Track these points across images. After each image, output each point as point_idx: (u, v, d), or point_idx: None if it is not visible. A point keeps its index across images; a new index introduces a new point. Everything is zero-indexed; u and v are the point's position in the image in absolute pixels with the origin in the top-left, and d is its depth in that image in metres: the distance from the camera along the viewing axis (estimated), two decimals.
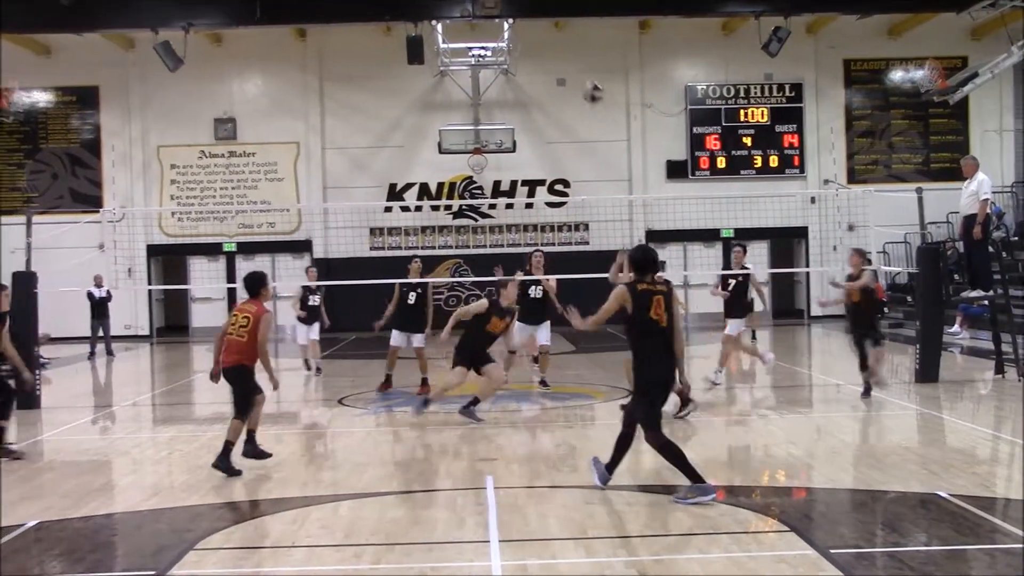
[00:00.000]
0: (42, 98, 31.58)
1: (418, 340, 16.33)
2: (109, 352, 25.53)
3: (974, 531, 7.75)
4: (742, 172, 31.65)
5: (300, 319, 19.86)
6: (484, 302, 13.63)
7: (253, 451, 10.80)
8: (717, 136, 31.81)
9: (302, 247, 31.59)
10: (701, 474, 8.75)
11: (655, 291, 8.87)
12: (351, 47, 30.99)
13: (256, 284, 10.93)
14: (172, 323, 33.01)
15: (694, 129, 31.82)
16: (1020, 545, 7.22)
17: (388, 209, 31.13)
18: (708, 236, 30.93)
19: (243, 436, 10.66)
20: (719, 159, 31.76)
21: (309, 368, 20.14)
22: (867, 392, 14.60)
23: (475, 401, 13.33)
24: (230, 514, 8.89)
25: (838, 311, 31.13)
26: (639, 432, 9.06)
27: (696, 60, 32.18)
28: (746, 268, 17.00)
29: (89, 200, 30.95)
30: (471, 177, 31.16)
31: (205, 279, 31.42)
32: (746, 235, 30.41)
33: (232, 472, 10.33)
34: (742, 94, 31.86)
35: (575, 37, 31.12)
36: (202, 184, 31.75)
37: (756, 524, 8.26)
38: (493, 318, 13.40)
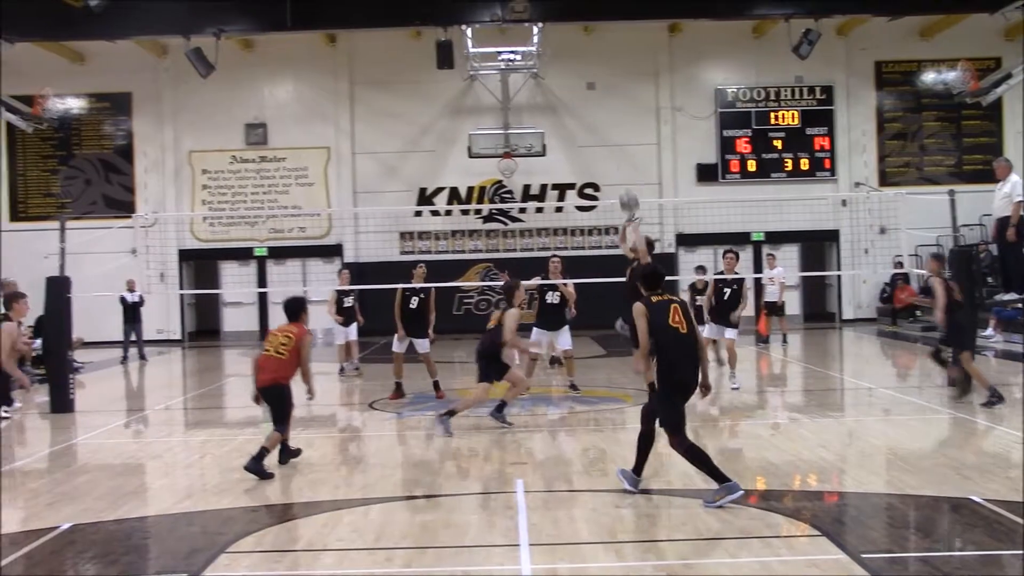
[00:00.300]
0: (76, 105, 31.80)
1: (422, 346, 16.39)
2: (142, 356, 25.69)
3: (1009, 536, 7.68)
4: (773, 175, 31.51)
5: (337, 322, 20.14)
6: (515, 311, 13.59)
7: (286, 455, 11.07)
8: (747, 139, 31.68)
9: (333, 251, 31.67)
10: (726, 474, 8.80)
11: (671, 300, 9.18)
12: (381, 52, 31.08)
13: (297, 309, 11.32)
14: (204, 327, 33.16)
15: (724, 132, 31.71)
16: None
17: (418, 213, 31.20)
18: (739, 239, 30.70)
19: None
20: (749, 162, 31.63)
21: (344, 372, 20.28)
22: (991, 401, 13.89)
23: (502, 405, 13.34)
24: (262, 517, 8.93)
25: (868, 314, 31.21)
26: (660, 431, 9.12)
27: (726, 63, 32.07)
28: (736, 275, 16.93)
29: (122, 205, 31.15)
30: (501, 181, 31.16)
31: (236, 284, 31.57)
32: (777, 238, 30.42)
33: (264, 475, 10.45)
34: (772, 97, 31.72)
35: (605, 41, 31.09)
36: (233, 189, 31.91)
37: (787, 528, 8.23)
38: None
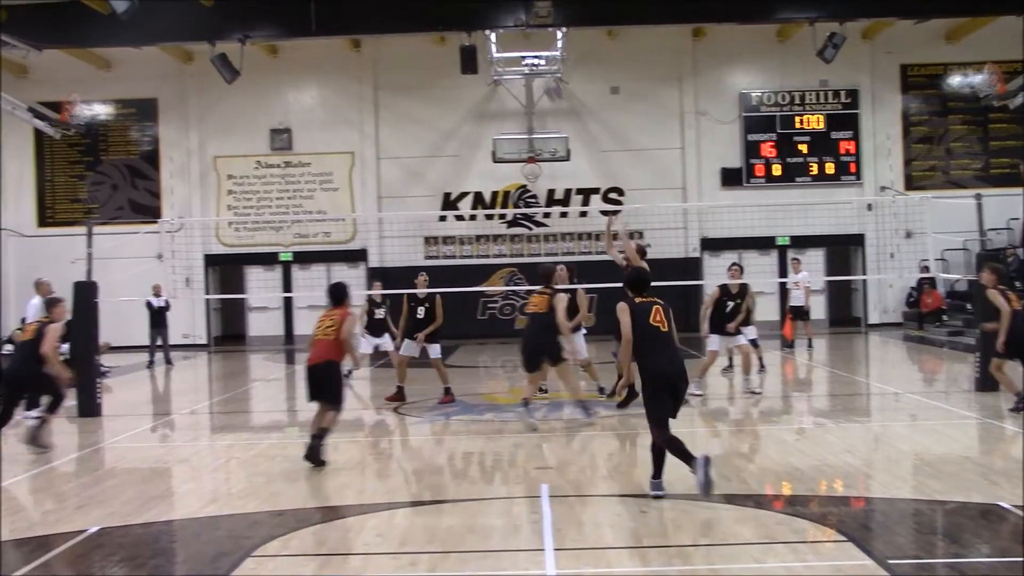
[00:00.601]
0: (102, 111, 32.03)
1: (434, 351, 16.43)
2: (168, 361, 25.81)
3: None
4: (797, 179, 31.39)
5: (365, 332, 19.75)
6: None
7: (315, 454, 11.31)
8: (772, 143, 31.57)
9: (357, 256, 31.75)
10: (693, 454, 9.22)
11: (653, 302, 9.72)
12: (405, 57, 31.14)
13: (341, 294, 12.02)
14: (229, 332, 33.29)
15: (749, 136, 31.62)
16: None
17: (443, 218, 31.22)
18: (763, 244, 30.73)
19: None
20: (774, 166, 31.52)
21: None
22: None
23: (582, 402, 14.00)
24: (287, 521, 8.96)
25: (894, 319, 31.05)
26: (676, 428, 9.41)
27: (750, 67, 31.99)
28: (745, 285, 16.95)
29: (148, 211, 31.30)
30: (525, 186, 31.16)
31: (262, 288, 31.68)
32: (802, 243, 30.32)
33: (318, 460, 11.12)
34: (797, 101, 31.61)
35: (628, 45, 31.06)
36: (258, 194, 32.04)
37: (813, 534, 8.21)
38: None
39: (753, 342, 18.01)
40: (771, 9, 26.59)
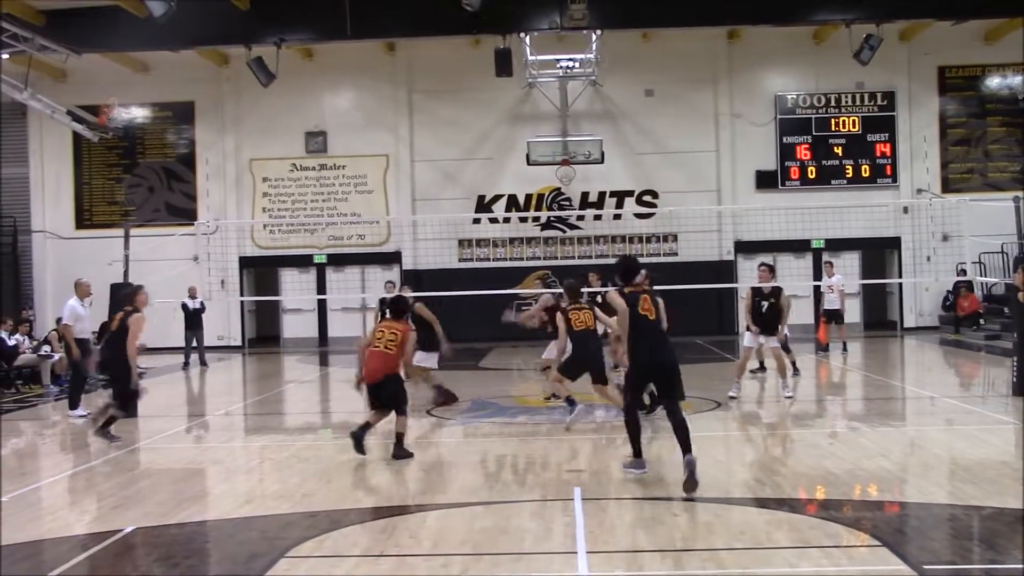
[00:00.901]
0: (140, 114, 32.33)
1: (426, 361, 16.45)
2: (203, 362, 25.97)
3: None
4: (833, 182, 31.22)
5: None
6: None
7: (401, 452, 11.99)
8: (807, 146, 31.42)
9: (391, 259, 31.84)
10: (643, 453, 10.52)
11: (642, 291, 10.40)
12: (440, 60, 31.21)
13: (403, 308, 12.78)
14: (264, 334, 33.47)
15: (784, 139, 31.48)
16: None
17: (477, 221, 31.25)
18: (798, 247, 30.59)
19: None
20: (809, 169, 31.37)
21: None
22: None
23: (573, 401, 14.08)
24: (321, 522, 8.99)
25: (930, 322, 30.83)
26: (687, 421, 9.90)
27: (786, 69, 31.84)
28: (778, 287, 16.88)
29: (184, 213, 31.55)
30: (559, 188, 31.17)
31: (296, 291, 31.84)
32: (837, 246, 30.16)
33: (406, 455, 11.84)
34: (833, 103, 31.45)
35: (663, 47, 31.00)
36: (293, 197, 32.19)
37: (847, 538, 8.15)
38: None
39: (784, 347, 17.88)
40: (807, 11, 26.47)
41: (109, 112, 27.40)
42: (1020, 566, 7.22)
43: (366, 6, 24.88)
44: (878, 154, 31.28)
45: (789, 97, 31.53)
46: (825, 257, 28.29)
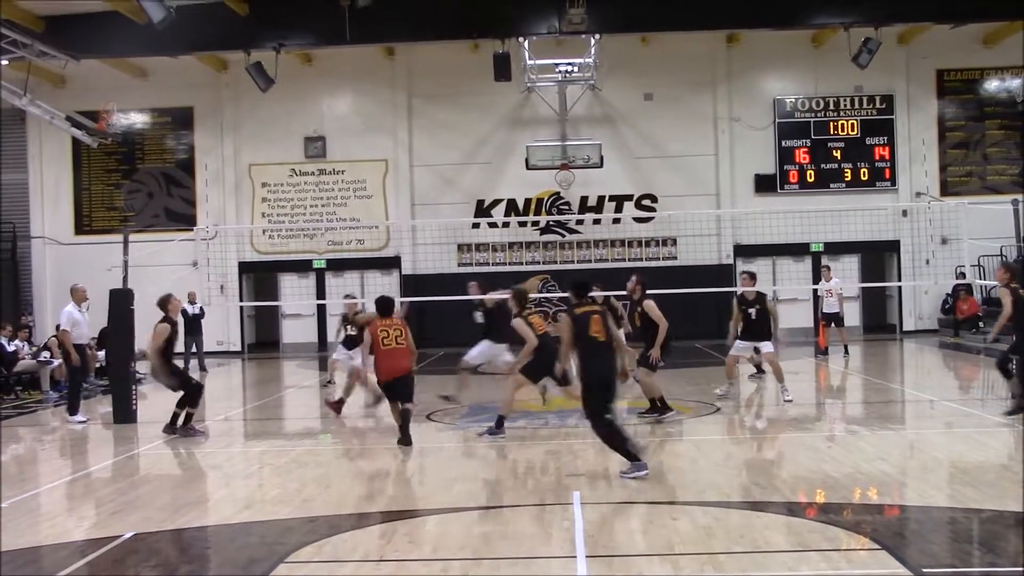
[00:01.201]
0: (139, 119, 32.35)
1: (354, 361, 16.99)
2: (202, 368, 25.96)
3: None
4: (832, 185, 31.23)
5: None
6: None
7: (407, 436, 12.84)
8: (806, 149, 31.44)
9: (391, 264, 31.84)
10: (639, 455, 10.54)
11: (592, 312, 10.76)
12: (439, 65, 31.21)
13: (391, 305, 13.52)
14: (263, 339, 33.47)
15: (783, 142, 31.49)
16: None
17: (476, 225, 31.26)
18: (797, 251, 30.58)
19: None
20: (808, 172, 31.38)
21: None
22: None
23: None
24: (320, 527, 8.99)
25: (929, 325, 30.82)
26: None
27: (784, 73, 31.86)
28: (761, 292, 17.05)
29: (183, 218, 31.56)
30: (558, 193, 31.18)
31: (295, 296, 31.85)
32: (836, 249, 30.14)
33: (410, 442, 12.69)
34: (831, 107, 31.46)
35: (662, 51, 31.00)
36: (292, 202, 32.19)
37: (846, 542, 8.15)
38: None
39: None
40: (805, 14, 26.51)
41: (108, 118, 27.36)
42: (1019, 569, 7.22)
43: (365, 11, 24.90)
44: (877, 157, 31.29)
45: (788, 101, 31.54)
46: (823, 261, 28.27)
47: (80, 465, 12.86)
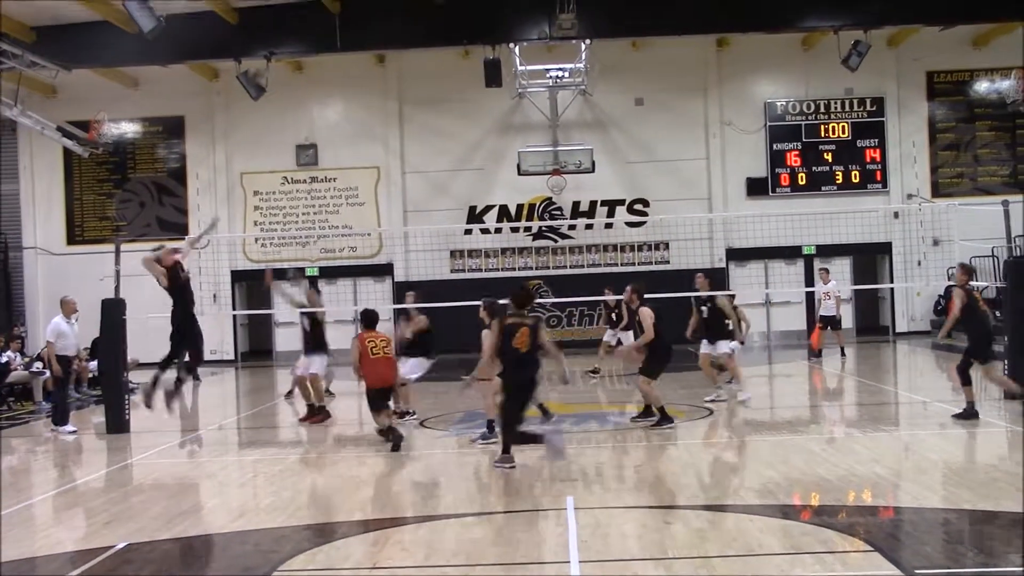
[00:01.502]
0: (130, 129, 32.28)
1: (312, 366, 17.21)
2: (195, 377, 25.84)
3: None
4: (823, 188, 31.25)
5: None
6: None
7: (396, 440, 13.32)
8: (797, 152, 31.45)
9: (383, 271, 31.82)
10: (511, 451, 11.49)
11: (522, 324, 11.45)
12: (430, 71, 31.20)
13: (375, 318, 14.00)
14: (256, 347, 33.39)
15: (774, 146, 31.51)
16: None
17: (468, 232, 31.22)
18: (789, 253, 30.59)
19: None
20: (800, 175, 31.40)
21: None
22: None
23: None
24: (313, 536, 8.99)
25: (922, 327, 30.86)
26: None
27: (775, 76, 31.88)
28: (712, 293, 17.41)
29: (175, 227, 31.47)
30: (550, 198, 31.15)
31: (288, 304, 31.76)
32: (828, 252, 30.15)
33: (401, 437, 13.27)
34: (822, 109, 31.49)
35: (652, 56, 31.01)
36: (284, 210, 32.17)
37: (840, 544, 8.16)
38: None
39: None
40: (795, 18, 26.55)
41: (99, 127, 27.35)
42: (1015, 569, 7.23)
43: (356, 19, 24.92)
44: (868, 160, 31.32)
45: (779, 104, 31.57)
46: (819, 264, 28.27)
47: (73, 475, 12.84)
